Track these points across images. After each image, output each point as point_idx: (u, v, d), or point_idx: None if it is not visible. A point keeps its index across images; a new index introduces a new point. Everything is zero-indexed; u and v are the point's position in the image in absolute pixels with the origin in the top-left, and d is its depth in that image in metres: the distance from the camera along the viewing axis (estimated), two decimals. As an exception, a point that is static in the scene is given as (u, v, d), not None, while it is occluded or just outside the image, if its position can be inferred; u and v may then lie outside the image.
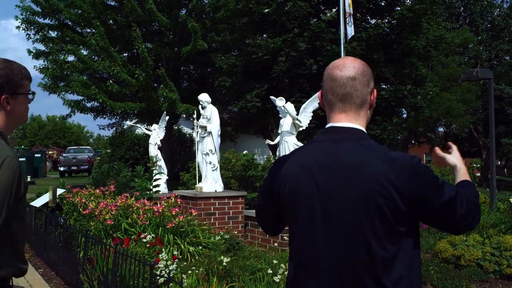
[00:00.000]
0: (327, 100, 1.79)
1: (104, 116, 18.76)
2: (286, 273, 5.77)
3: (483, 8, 34.46)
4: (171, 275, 5.32)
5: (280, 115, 7.48)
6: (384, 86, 14.59)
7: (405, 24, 13.84)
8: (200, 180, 9.51)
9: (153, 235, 6.23)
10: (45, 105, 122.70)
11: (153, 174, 11.13)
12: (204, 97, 9.35)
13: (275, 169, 1.82)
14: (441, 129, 34.78)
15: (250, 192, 10.24)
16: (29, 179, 22.18)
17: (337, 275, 1.63)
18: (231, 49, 17.32)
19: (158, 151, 11.40)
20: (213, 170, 9.25)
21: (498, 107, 27.21)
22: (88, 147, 37.31)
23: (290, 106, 7.21)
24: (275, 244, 6.57)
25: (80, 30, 18.21)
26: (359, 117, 1.77)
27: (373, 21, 16.17)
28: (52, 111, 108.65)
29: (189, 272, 5.42)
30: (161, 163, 11.39)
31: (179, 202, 6.97)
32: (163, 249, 5.90)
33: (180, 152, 22.28)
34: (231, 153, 10.82)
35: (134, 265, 4.55)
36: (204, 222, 8.11)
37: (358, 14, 15.41)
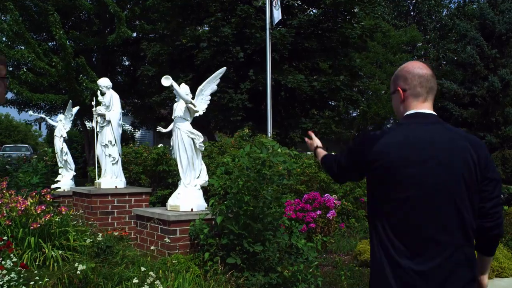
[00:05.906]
0: (414, 92, 2.19)
1: (27, 110, 17.35)
2: (156, 282, 4.87)
3: (431, 8, 34.53)
4: (4, 287, 4.31)
5: (175, 99, 6.54)
6: (316, 77, 13.74)
7: (338, 11, 13.08)
8: (100, 175, 8.47)
9: (5, 238, 5.18)
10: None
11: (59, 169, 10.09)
12: (103, 82, 8.30)
13: (368, 145, 2.12)
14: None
15: (162, 189, 9.26)
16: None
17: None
18: (165, 39, 16.27)
19: (64, 144, 10.25)
20: (113, 164, 8.20)
21: (444, 105, 27.06)
22: (26, 145, 35.31)
23: (183, 88, 6.26)
24: (152, 247, 5.63)
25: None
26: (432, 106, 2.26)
27: (309, 10, 15.40)
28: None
29: (32, 283, 4.42)
30: (68, 157, 10.24)
31: (48, 198, 5.92)
32: (12, 255, 4.86)
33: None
34: (144, 147, 9.82)
35: None
36: (90, 222, 7.10)
37: (294, 3, 14.60)
